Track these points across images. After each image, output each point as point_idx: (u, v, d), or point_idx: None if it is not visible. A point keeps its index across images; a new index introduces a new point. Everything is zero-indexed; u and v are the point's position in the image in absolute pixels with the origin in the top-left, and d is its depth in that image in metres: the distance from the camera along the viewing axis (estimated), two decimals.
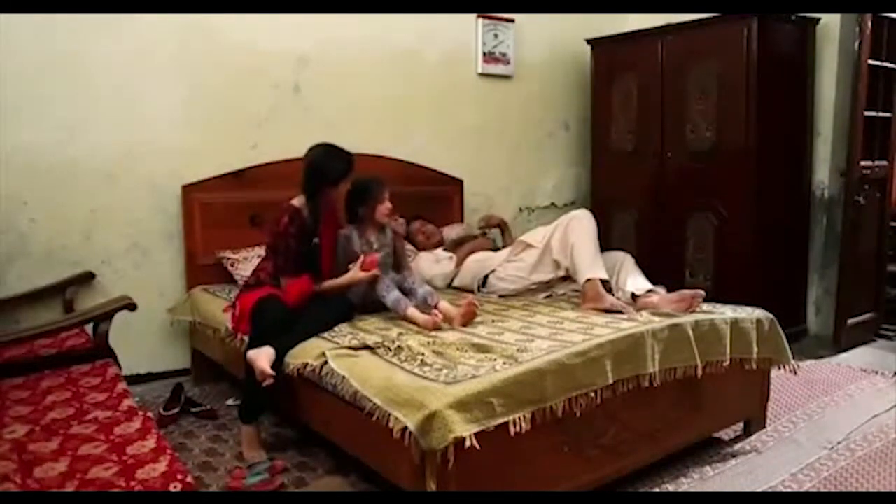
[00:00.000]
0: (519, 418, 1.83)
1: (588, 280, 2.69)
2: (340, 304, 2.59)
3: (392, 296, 2.58)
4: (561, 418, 1.94)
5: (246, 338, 2.48)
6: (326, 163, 2.62)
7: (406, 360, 2.03)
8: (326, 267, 2.68)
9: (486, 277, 3.14)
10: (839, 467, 2.40)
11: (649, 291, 2.71)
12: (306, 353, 2.25)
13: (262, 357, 2.27)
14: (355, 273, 2.61)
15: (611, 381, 2.06)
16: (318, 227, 2.63)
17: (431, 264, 3.39)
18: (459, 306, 2.50)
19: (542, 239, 2.97)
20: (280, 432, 2.72)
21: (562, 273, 2.92)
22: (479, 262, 3.24)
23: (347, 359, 2.11)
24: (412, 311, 2.51)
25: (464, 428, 1.71)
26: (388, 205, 2.78)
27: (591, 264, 2.74)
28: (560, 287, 2.98)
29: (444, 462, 1.68)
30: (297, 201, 2.62)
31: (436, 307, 2.55)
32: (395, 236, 2.90)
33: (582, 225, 2.85)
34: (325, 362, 2.13)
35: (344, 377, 2.02)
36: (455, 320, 2.45)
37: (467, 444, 1.69)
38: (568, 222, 2.88)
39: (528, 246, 3.03)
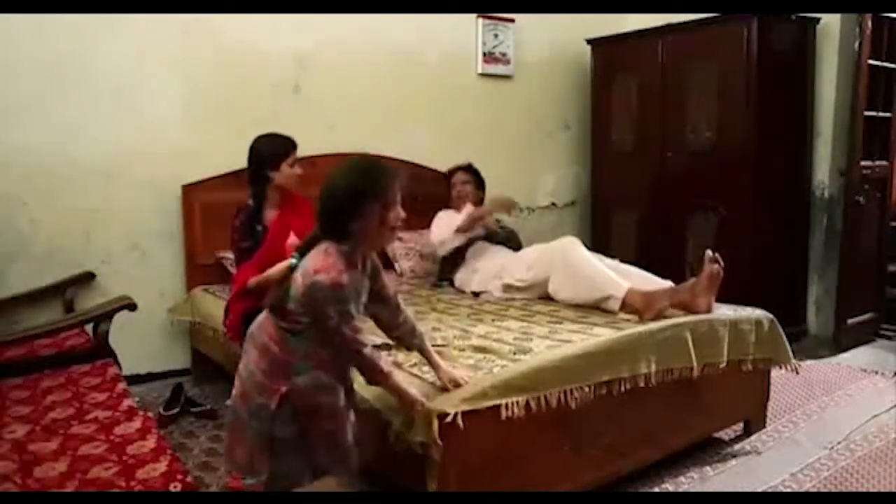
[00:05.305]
0: (511, 403, 1.81)
1: (626, 293, 2.45)
2: None
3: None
4: (561, 417, 1.94)
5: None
6: (261, 147, 2.53)
7: (404, 361, 2.02)
8: (263, 255, 2.41)
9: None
10: (839, 467, 2.40)
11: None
12: None
13: None
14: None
15: (609, 381, 2.06)
16: (260, 214, 2.53)
17: (443, 229, 3.26)
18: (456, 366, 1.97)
19: (531, 279, 2.81)
20: None
21: None
22: (482, 269, 3.15)
23: None
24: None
25: (453, 406, 1.71)
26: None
27: (615, 282, 2.49)
28: None
29: (444, 432, 1.67)
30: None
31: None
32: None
33: (577, 258, 2.63)
34: None
35: None
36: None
37: (449, 419, 1.68)
38: (563, 265, 2.66)
39: (518, 288, 2.89)
